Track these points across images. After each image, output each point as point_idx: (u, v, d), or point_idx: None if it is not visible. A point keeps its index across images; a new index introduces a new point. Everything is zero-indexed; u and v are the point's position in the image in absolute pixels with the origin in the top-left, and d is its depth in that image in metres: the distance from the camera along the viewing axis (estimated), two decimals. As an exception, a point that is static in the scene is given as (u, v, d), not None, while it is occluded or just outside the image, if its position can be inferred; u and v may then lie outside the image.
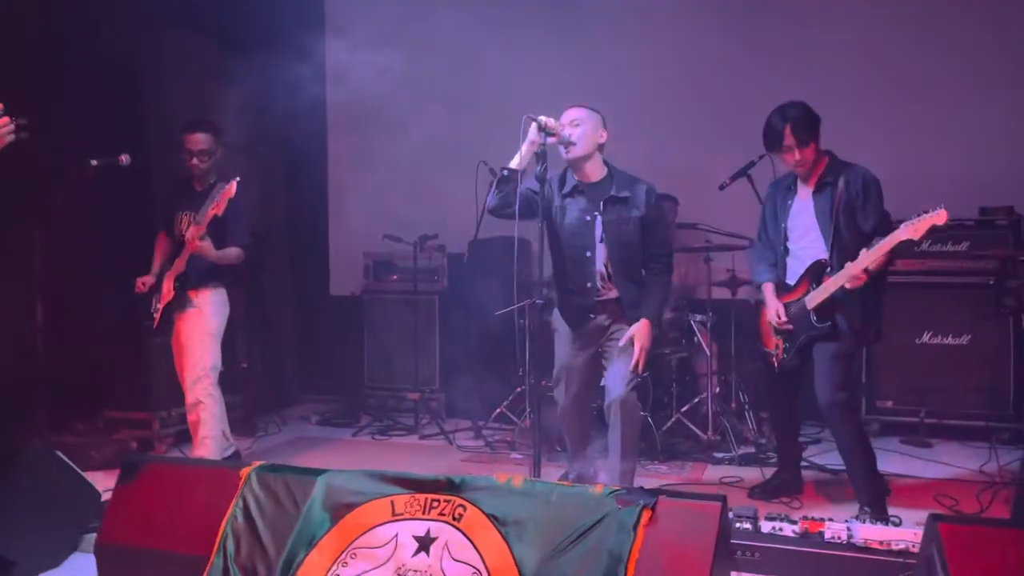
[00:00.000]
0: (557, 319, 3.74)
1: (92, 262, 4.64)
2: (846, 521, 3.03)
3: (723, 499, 2.26)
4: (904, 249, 3.32)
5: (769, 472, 4.22)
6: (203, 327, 4.07)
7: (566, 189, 3.62)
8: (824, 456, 4.57)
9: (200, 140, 4.12)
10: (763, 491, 3.95)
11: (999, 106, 5.21)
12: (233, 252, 4.07)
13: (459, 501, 2.44)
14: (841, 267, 3.42)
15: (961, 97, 5.30)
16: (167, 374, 4.39)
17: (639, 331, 3.50)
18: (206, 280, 4.09)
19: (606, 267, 3.59)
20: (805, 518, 3.08)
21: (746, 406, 5.08)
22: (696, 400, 4.97)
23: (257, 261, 5.49)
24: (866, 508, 3.44)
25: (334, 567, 2.43)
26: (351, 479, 2.58)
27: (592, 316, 3.62)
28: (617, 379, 3.51)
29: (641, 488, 2.42)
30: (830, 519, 3.04)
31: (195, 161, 4.13)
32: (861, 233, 3.47)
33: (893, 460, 4.57)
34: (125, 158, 3.79)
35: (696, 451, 4.79)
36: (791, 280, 3.69)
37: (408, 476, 2.56)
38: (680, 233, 5.46)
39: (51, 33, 4.70)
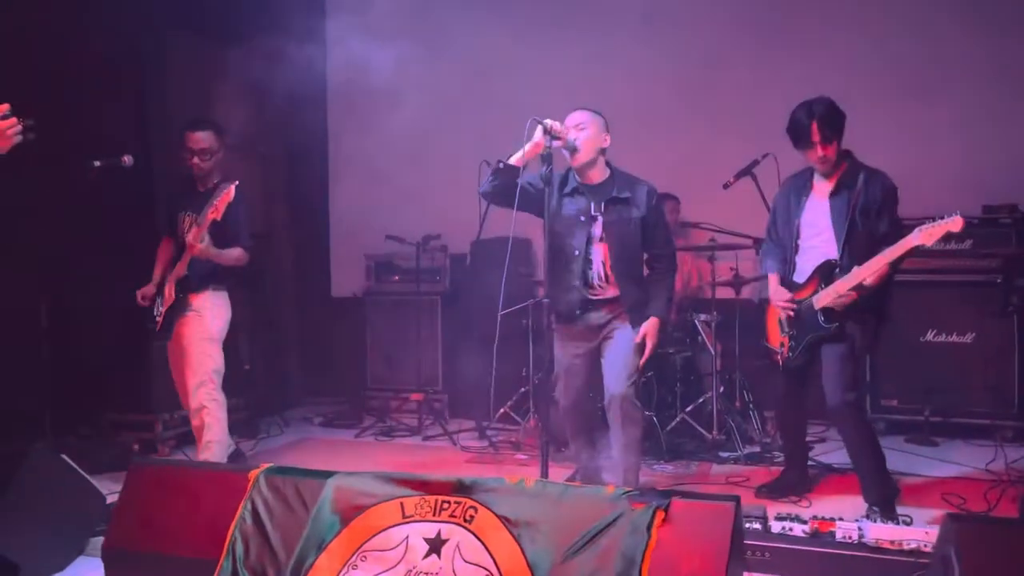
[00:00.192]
0: (555, 319, 3.72)
1: (93, 264, 4.61)
2: (856, 521, 3.01)
3: (737, 500, 2.25)
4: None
5: (775, 471, 4.21)
6: (204, 331, 4.02)
7: (567, 189, 3.64)
8: (830, 455, 4.56)
9: (202, 139, 4.08)
10: (770, 490, 3.94)
11: (1001, 104, 5.20)
12: (235, 253, 4.02)
13: (470, 503, 2.42)
14: (851, 269, 3.41)
15: (963, 95, 5.29)
16: (169, 376, 4.36)
17: (650, 329, 3.53)
18: (206, 283, 4.05)
19: (604, 266, 3.60)
20: (815, 518, 3.06)
21: (750, 405, 5.07)
22: (701, 400, 4.96)
23: (259, 262, 5.47)
24: (875, 508, 3.43)
25: (344, 570, 2.41)
26: (360, 481, 2.56)
27: (585, 314, 3.63)
28: (616, 377, 3.53)
29: (654, 489, 2.41)
30: (840, 519, 3.03)
31: (196, 160, 4.08)
32: (873, 237, 3.46)
33: (899, 459, 4.55)
34: (128, 159, 3.76)
35: (701, 450, 4.77)
36: (799, 278, 3.68)
37: (418, 478, 2.54)
38: (684, 232, 5.45)
39: (51, 33, 4.66)
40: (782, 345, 3.71)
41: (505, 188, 3.41)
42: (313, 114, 6.86)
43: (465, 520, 2.39)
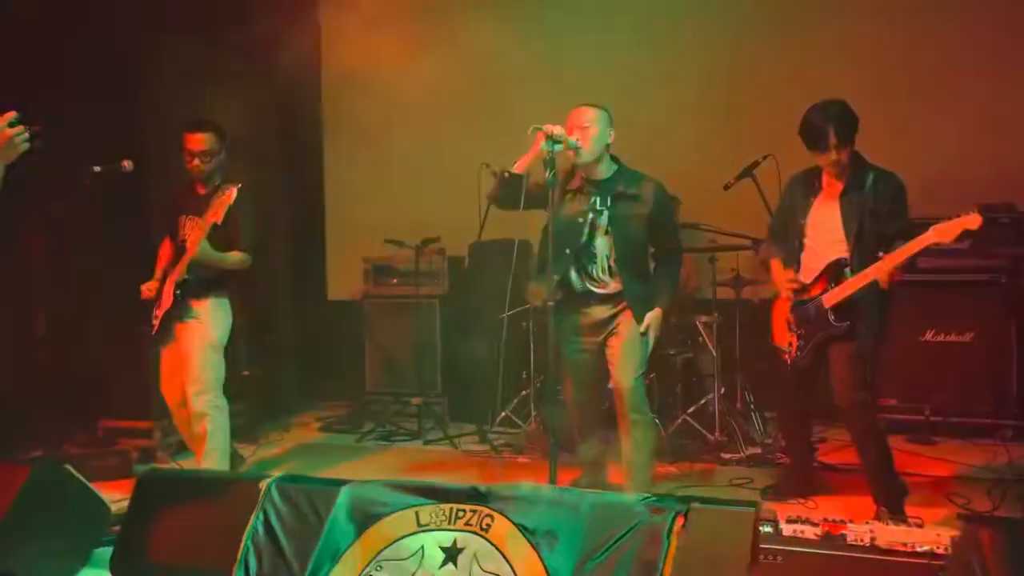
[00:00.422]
0: (560, 316, 3.69)
1: (90, 269, 4.57)
2: (867, 523, 3.00)
3: (756, 505, 2.24)
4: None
5: (779, 472, 4.21)
6: (205, 338, 3.97)
7: (571, 186, 3.63)
8: (830, 455, 4.56)
9: (201, 140, 4.01)
10: (776, 492, 3.94)
11: (996, 103, 5.22)
12: (236, 255, 3.97)
13: (486, 511, 2.41)
14: (860, 269, 3.41)
15: (959, 95, 5.31)
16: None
17: (652, 320, 3.55)
18: (208, 289, 4.00)
19: (608, 259, 3.60)
20: (826, 520, 3.05)
21: (751, 406, 5.07)
22: (702, 401, 4.96)
23: (255, 266, 5.43)
24: (884, 508, 3.43)
25: (360, 580, 2.40)
26: (374, 490, 2.55)
27: (589, 309, 3.64)
28: (623, 371, 3.53)
29: (672, 495, 2.40)
30: (850, 521, 3.03)
31: (196, 162, 4.02)
32: (883, 237, 3.46)
33: (900, 458, 4.55)
34: (128, 164, 3.73)
35: (703, 452, 4.77)
36: (805, 277, 3.67)
37: (432, 485, 2.54)
38: (684, 233, 5.44)
39: (46, 39, 4.62)
40: (790, 344, 3.70)
41: (512, 197, 3.39)
42: (308, 116, 6.83)
43: (482, 528, 2.38)
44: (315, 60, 6.81)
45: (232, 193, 3.61)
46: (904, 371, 5.06)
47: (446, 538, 2.40)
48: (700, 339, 5.11)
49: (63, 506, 3.11)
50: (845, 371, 3.49)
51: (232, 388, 4.21)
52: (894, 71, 5.38)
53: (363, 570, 2.42)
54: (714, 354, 4.95)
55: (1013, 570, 2.00)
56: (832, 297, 3.50)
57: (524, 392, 5.28)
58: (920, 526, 2.96)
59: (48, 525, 3.05)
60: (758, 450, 4.75)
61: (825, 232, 3.60)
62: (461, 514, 2.43)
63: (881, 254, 3.36)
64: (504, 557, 2.32)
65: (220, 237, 3.84)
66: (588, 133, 3.48)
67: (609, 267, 3.60)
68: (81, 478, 3.19)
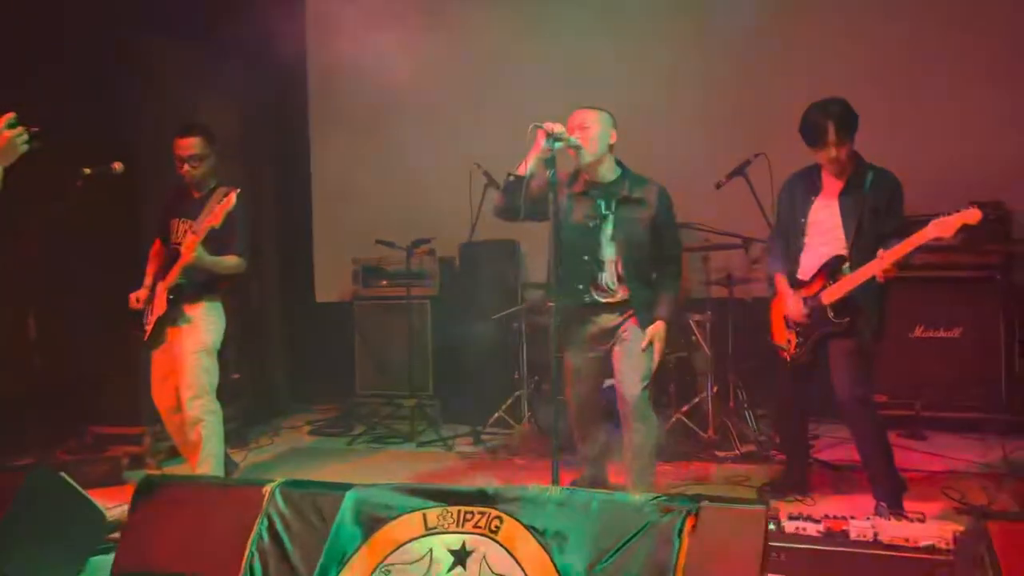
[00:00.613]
0: (565, 321, 3.66)
1: (78, 274, 4.50)
2: (868, 519, 3.02)
3: (767, 504, 2.24)
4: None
5: (774, 470, 4.22)
6: (200, 342, 3.93)
7: (575, 189, 3.59)
8: (823, 452, 4.58)
9: (190, 145, 3.97)
10: (773, 488, 3.95)
11: (985, 101, 5.26)
12: (231, 260, 3.93)
13: (495, 513, 2.38)
14: (859, 266, 3.43)
15: (948, 93, 5.35)
16: (158, 388, 4.27)
17: (657, 332, 3.51)
18: (202, 293, 3.95)
19: (616, 266, 3.56)
20: (827, 516, 3.07)
21: (745, 405, 5.08)
22: (696, 400, 4.97)
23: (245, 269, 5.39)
24: (883, 503, 3.45)
25: (368, 584, 2.37)
26: (380, 493, 2.52)
27: (597, 317, 3.60)
28: (631, 381, 3.49)
29: (682, 495, 2.39)
30: (852, 517, 3.04)
31: (186, 167, 3.98)
32: (880, 234, 3.49)
33: (894, 454, 4.59)
34: (119, 165, 3.67)
35: (698, 450, 4.78)
36: (803, 275, 3.69)
37: (439, 488, 2.51)
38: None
39: (29, 40, 4.55)
40: (788, 342, 3.72)
41: (518, 202, 3.36)
42: (296, 117, 6.78)
43: (491, 531, 2.36)
44: (302, 59, 6.76)
45: (232, 198, 3.58)
46: (894, 367, 5.09)
47: (455, 541, 2.37)
48: (693, 338, 5.12)
49: (58, 514, 3.08)
50: (845, 367, 3.51)
51: (223, 392, 4.17)
52: (884, 71, 5.41)
53: (370, 574, 2.39)
54: (707, 352, 4.96)
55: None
56: (831, 294, 3.52)
57: (517, 393, 5.27)
58: (922, 521, 2.99)
59: (43, 533, 3.01)
60: (752, 448, 4.77)
61: (825, 230, 3.62)
62: (469, 516, 2.40)
63: (880, 251, 3.38)
64: (514, 559, 2.29)
65: (215, 241, 3.80)
66: (589, 133, 3.46)
67: (617, 275, 3.56)
68: (76, 486, 3.15)
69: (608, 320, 3.60)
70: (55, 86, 4.61)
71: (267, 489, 2.59)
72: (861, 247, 3.50)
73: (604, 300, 3.58)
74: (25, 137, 2.30)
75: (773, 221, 3.97)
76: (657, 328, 3.52)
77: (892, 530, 2.90)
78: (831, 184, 3.64)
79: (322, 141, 6.82)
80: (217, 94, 5.76)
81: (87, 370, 4.52)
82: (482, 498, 2.42)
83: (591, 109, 3.54)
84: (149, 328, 4.01)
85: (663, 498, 2.29)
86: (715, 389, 4.93)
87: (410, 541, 2.42)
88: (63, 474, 3.14)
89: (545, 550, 2.28)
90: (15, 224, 3.85)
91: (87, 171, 3.62)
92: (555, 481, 3.19)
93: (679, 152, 5.45)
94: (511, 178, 3.40)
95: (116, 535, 3.26)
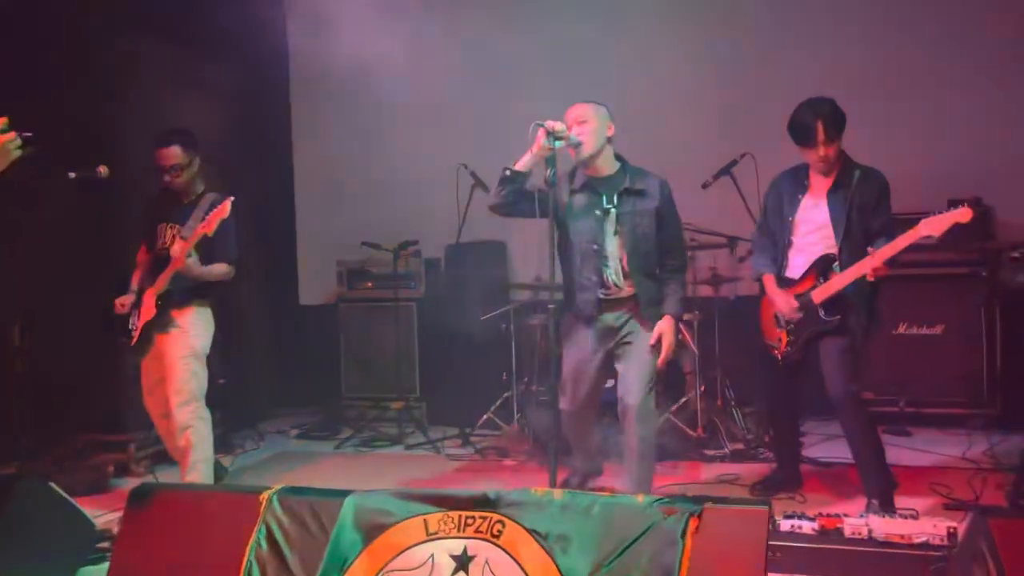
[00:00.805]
0: (567, 321, 3.63)
1: (62, 280, 4.43)
2: (861, 516, 3.05)
3: (769, 504, 2.25)
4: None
5: (764, 468, 4.25)
6: (188, 348, 3.89)
7: (576, 185, 3.54)
8: (809, 449, 4.61)
9: (170, 155, 3.93)
10: (764, 487, 3.97)
11: (962, 99, 5.33)
12: (221, 268, 3.90)
13: (496, 517, 2.37)
14: (850, 264, 3.46)
15: (927, 91, 5.41)
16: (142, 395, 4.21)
17: (666, 328, 3.47)
18: (190, 298, 3.91)
19: (621, 262, 3.50)
20: (821, 515, 3.09)
21: (732, 403, 5.11)
22: (684, 399, 4.98)
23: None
24: (874, 501, 3.48)
25: (369, 591, 2.35)
26: (379, 499, 2.50)
27: (602, 315, 3.52)
28: (634, 384, 3.44)
29: (683, 495, 2.40)
30: (845, 515, 3.07)
31: (167, 177, 3.95)
32: (869, 232, 3.53)
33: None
34: (104, 169, 3.61)
35: (687, 450, 4.79)
36: (792, 274, 3.71)
37: (439, 493, 2.49)
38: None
39: (10, 42, 4.47)
40: (779, 340, 3.74)
41: (515, 196, 3.34)
42: (278, 119, 6.72)
43: (493, 535, 2.35)
44: (284, 59, 6.70)
45: (227, 206, 3.55)
46: (879, 364, 5.14)
47: (456, 546, 2.36)
48: (680, 337, 5.13)
49: (48, 524, 3.03)
50: (838, 365, 3.54)
51: (209, 397, 4.12)
52: (866, 71, 5.46)
53: (372, 581, 2.37)
54: (694, 351, 4.98)
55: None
56: (822, 293, 3.55)
57: (506, 394, 5.26)
58: (915, 518, 3.02)
59: (33, 544, 2.95)
60: (741, 446, 4.80)
61: (814, 228, 3.65)
62: (471, 521, 2.39)
63: (869, 249, 3.41)
64: (517, 563, 2.28)
65: (204, 248, 3.76)
66: (587, 128, 3.41)
67: (622, 269, 3.49)
68: (66, 496, 3.10)
69: (613, 317, 3.52)
70: (35, 89, 4.53)
71: (264, 496, 2.56)
72: (850, 245, 3.53)
73: (609, 296, 3.51)
74: (18, 142, 2.25)
75: (759, 220, 3.98)
76: (665, 324, 3.47)
77: (886, 527, 2.93)
78: (819, 183, 3.67)
79: (304, 141, 6.77)
80: (198, 95, 5.69)
81: (72, 377, 4.45)
82: (484, 502, 2.41)
83: (587, 103, 3.49)
84: (136, 334, 3.96)
85: (666, 500, 2.29)
86: (703, 388, 4.95)
87: (411, 547, 2.40)
88: (52, 484, 3.08)
89: (548, 554, 2.27)
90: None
91: (72, 175, 3.56)
92: (553, 483, 3.20)
93: (665, 152, 5.46)
94: (507, 172, 3.35)
95: (105, 544, 3.24)
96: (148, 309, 3.88)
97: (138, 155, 4.35)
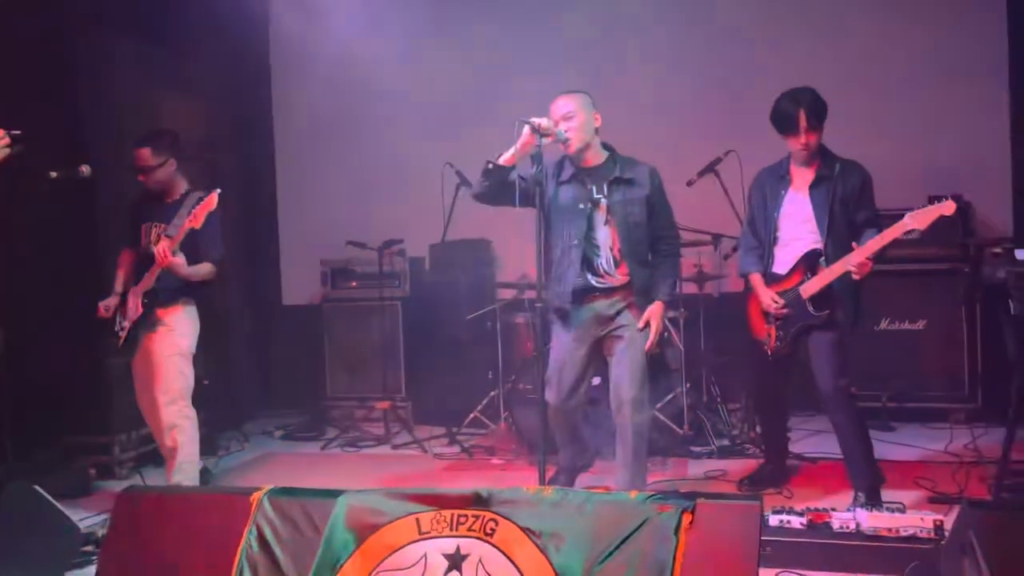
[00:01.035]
0: (554, 314, 3.61)
1: (43, 282, 4.37)
2: (849, 510, 3.08)
3: (760, 499, 2.26)
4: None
5: (750, 464, 4.27)
6: (174, 347, 3.86)
7: (564, 176, 3.53)
8: (798, 444, 4.64)
9: (141, 156, 3.90)
10: (752, 482, 3.99)
11: (942, 95, 5.38)
12: (206, 268, 3.87)
13: (489, 515, 2.37)
14: (836, 258, 3.48)
15: (907, 87, 5.47)
16: (127, 394, 4.17)
17: (654, 312, 3.47)
18: (176, 297, 3.88)
19: (612, 250, 3.49)
20: (809, 509, 3.11)
21: (718, 399, 5.14)
22: (670, 396, 4.99)
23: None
24: (860, 495, 3.51)
25: (362, 591, 2.34)
26: (371, 499, 2.49)
27: (593, 303, 3.50)
28: (627, 380, 3.45)
29: (676, 491, 2.40)
30: (834, 509, 3.09)
31: (142, 178, 3.94)
32: (854, 225, 3.56)
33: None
34: (85, 169, 3.57)
35: (673, 446, 4.80)
36: (780, 269, 3.73)
37: (431, 492, 2.48)
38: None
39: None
40: (769, 336, 3.76)
41: (498, 187, 3.33)
42: (260, 118, 6.67)
43: (486, 533, 2.34)
44: (265, 57, 6.65)
45: (214, 198, 3.52)
46: (862, 359, 5.16)
47: (449, 545, 2.35)
48: (666, 334, 5.14)
49: (33, 529, 2.99)
50: (827, 359, 3.57)
51: (193, 398, 4.09)
52: (846, 70, 5.50)
53: (365, 581, 2.36)
54: (680, 348, 5.00)
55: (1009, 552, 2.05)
56: (810, 288, 3.57)
57: (493, 392, 5.25)
58: (902, 511, 3.05)
59: (18, 548, 2.92)
60: (727, 442, 4.82)
61: (799, 223, 3.67)
62: (463, 520, 2.38)
63: (854, 244, 3.44)
64: (511, 561, 2.28)
65: (190, 246, 3.74)
66: (575, 122, 3.41)
67: (614, 258, 3.49)
68: (52, 500, 3.06)
69: (606, 304, 3.51)
70: (12, 88, 4.46)
71: (255, 497, 2.54)
72: (836, 239, 3.56)
73: (602, 284, 3.51)
74: (7, 142, 2.22)
75: (744, 218, 4.00)
76: (656, 308, 3.47)
77: (874, 521, 2.96)
78: (800, 176, 3.69)
79: (287, 140, 6.72)
80: (178, 94, 5.63)
81: (54, 379, 4.39)
82: (476, 501, 2.41)
83: (571, 93, 3.47)
84: (124, 335, 3.93)
85: (659, 496, 2.30)
86: (688, 385, 4.97)
87: (404, 546, 2.39)
88: (38, 488, 3.05)
89: (542, 551, 2.27)
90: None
91: (53, 175, 3.51)
92: (542, 481, 3.20)
93: (650, 149, 5.47)
94: (490, 166, 3.32)
95: (90, 548, 3.21)
96: (134, 308, 3.85)
97: (119, 154, 4.30)
